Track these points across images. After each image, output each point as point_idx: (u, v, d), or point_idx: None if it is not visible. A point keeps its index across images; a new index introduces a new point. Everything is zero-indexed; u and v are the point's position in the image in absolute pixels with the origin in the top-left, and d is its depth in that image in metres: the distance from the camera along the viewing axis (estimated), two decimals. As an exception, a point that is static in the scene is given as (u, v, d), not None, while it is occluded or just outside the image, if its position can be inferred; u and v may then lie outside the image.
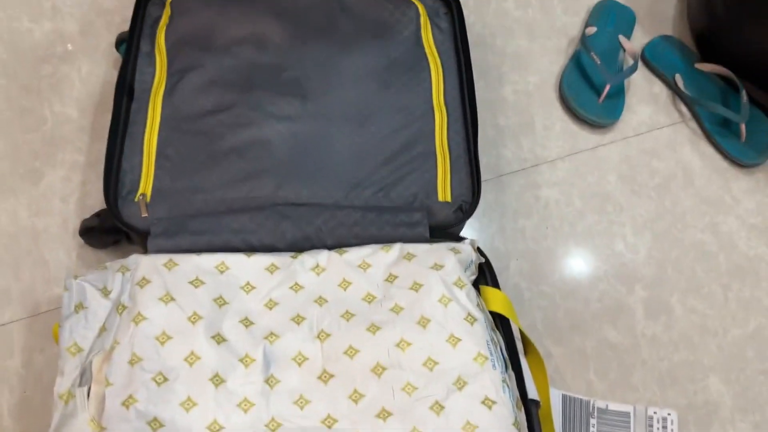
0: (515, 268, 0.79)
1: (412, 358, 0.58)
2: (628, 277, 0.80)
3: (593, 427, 0.69)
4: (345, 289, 0.63)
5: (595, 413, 0.70)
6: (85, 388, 0.54)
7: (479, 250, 0.67)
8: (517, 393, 0.59)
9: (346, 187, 0.71)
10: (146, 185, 0.71)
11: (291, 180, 0.71)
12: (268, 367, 0.57)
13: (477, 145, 0.74)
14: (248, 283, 0.62)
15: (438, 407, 0.55)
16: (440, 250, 0.65)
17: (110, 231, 0.73)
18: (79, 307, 0.57)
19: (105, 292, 0.58)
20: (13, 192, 0.79)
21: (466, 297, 0.61)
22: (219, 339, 0.57)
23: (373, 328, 0.59)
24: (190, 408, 0.52)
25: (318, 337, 0.59)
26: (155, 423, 0.51)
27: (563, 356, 0.74)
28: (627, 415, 0.70)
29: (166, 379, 0.53)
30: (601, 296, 0.78)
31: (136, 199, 0.70)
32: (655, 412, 0.70)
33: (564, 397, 0.70)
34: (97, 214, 0.74)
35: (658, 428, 0.70)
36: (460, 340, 0.59)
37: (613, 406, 0.71)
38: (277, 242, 0.67)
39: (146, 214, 0.68)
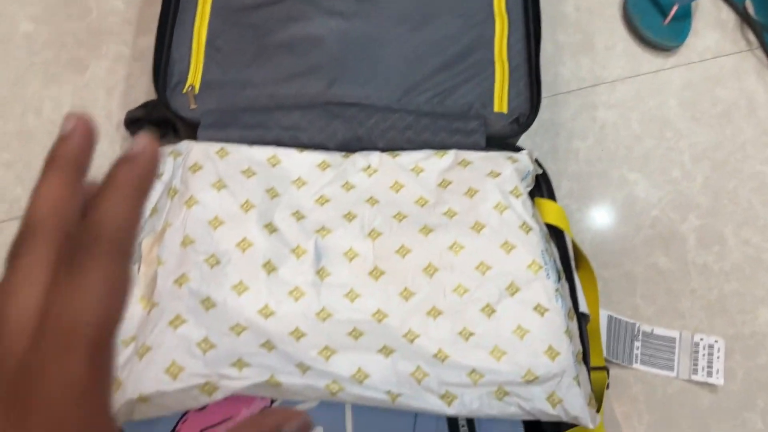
0: (566, 189, 0.77)
1: (464, 261, 0.56)
2: (683, 205, 0.77)
3: (637, 349, 0.68)
4: (397, 192, 0.61)
5: (640, 336, 0.69)
6: (135, 266, 0.53)
7: (537, 162, 0.65)
8: (569, 303, 0.58)
9: (399, 90, 0.69)
10: (195, 76, 0.69)
11: (343, 78, 0.68)
12: (319, 259, 0.56)
13: (539, 56, 0.70)
14: (300, 179, 0.60)
15: (489, 310, 0.54)
16: (497, 158, 0.63)
17: (156, 123, 0.71)
18: None
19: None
20: (57, 80, 0.78)
21: (522, 206, 0.59)
22: (271, 228, 0.56)
23: (426, 230, 0.58)
24: (242, 292, 0.52)
25: (369, 235, 0.58)
26: (207, 302, 0.50)
27: (611, 279, 0.72)
28: (672, 340, 0.69)
29: (218, 262, 0.53)
30: (653, 222, 0.76)
31: (184, 91, 0.68)
32: (701, 339, 0.69)
33: (610, 317, 0.69)
34: (144, 105, 0.72)
35: (703, 354, 0.68)
36: (514, 247, 0.57)
37: (659, 331, 0.69)
38: (327, 141, 0.65)
39: (195, 106, 0.67)
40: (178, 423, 0.50)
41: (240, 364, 0.48)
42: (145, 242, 0.55)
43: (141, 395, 0.46)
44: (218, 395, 0.47)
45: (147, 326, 0.49)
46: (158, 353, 0.47)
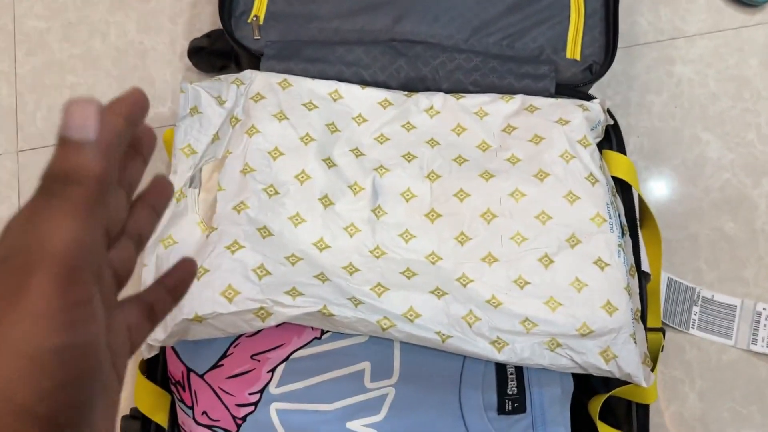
0: (635, 145, 0.73)
1: (524, 209, 0.55)
2: (756, 169, 0.73)
3: (695, 314, 0.66)
4: (459, 135, 0.59)
5: (700, 301, 0.67)
6: (196, 190, 0.54)
7: (609, 112, 0.62)
8: (631, 260, 0.56)
9: (467, 29, 0.66)
10: (260, 7, 0.67)
11: (409, 15, 0.66)
12: (376, 197, 0.55)
13: (617, 2, 0.66)
14: (360, 115, 0.59)
15: (547, 260, 0.53)
16: (567, 105, 0.60)
17: (219, 54, 0.71)
18: (194, 110, 0.56)
19: (220, 101, 0.57)
20: (122, 6, 0.78)
21: (589, 157, 0.57)
22: (330, 163, 0.55)
23: (487, 175, 0.56)
24: (299, 223, 0.51)
25: (428, 177, 0.57)
26: (264, 231, 0.50)
27: (674, 241, 0.70)
28: (733, 307, 0.66)
29: (277, 192, 0.52)
30: (723, 186, 0.72)
31: (249, 21, 0.67)
32: (764, 309, 0.66)
33: (670, 280, 0.67)
34: (207, 35, 0.72)
35: (765, 325, 0.66)
36: (578, 198, 0.55)
37: (720, 297, 0.67)
38: (390, 80, 0.63)
39: (258, 37, 0.66)
40: (230, 346, 0.51)
41: (294, 292, 0.48)
42: (205, 168, 0.55)
43: (196, 315, 0.47)
44: (271, 321, 0.47)
45: (205, 249, 0.50)
46: (215, 276, 0.48)
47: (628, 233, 0.57)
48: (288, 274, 0.49)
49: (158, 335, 0.48)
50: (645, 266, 0.58)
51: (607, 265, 0.53)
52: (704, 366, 0.65)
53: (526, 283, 0.52)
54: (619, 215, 0.57)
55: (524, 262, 0.53)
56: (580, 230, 0.54)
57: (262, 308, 0.47)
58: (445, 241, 0.54)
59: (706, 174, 0.73)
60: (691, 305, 0.66)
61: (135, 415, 0.54)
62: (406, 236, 0.54)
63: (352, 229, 0.53)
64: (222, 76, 0.60)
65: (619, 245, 0.54)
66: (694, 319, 0.66)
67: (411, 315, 0.49)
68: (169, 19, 0.78)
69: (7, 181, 0.73)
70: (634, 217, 0.58)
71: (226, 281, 0.48)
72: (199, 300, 0.47)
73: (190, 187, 0.54)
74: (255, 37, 0.66)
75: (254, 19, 0.67)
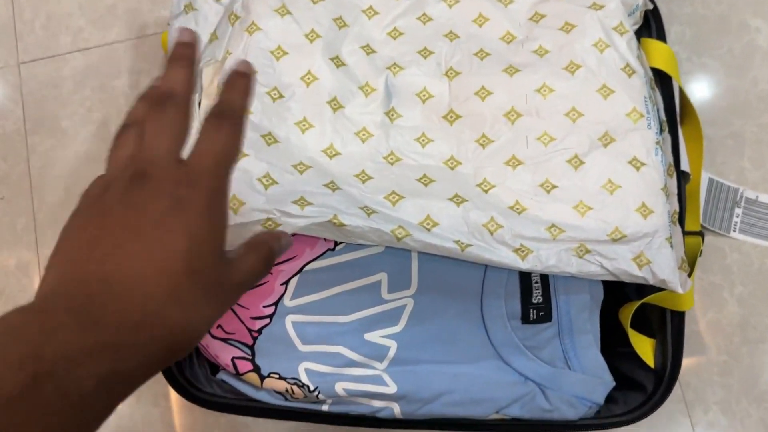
0: (677, 35, 0.67)
1: (553, 105, 0.50)
2: (813, 57, 0.66)
3: (737, 217, 0.62)
4: (480, 26, 0.54)
5: (743, 203, 0.62)
6: (195, 96, 0.50)
7: (648, -6, 0.56)
8: (670, 159, 0.51)
9: None
10: None
11: None
12: (390, 99, 0.51)
13: None
14: (371, 8, 0.54)
15: (577, 161, 0.49)
16: (601, -12, 0.54)
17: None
18: (189, 7, 0.52)
19: None
20: None
21: (626, 45, 0.51)
22: (338, 62, 0.51)
23: (511, 70, 0.51)
24: (306, 129, 0.48)
25: (446, 74, 0.52)
26: (269, 138, 0.47)
27: (717, 138, 0.64)
28: (779, 209, 0.62)
29: (281, 96, 0.49)
30: (774, 76, 0.66)
31: None
32: (814, 210, 0.61)
33: (711, 180, 0.62)
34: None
35: (814, 227, 0.61)
36: (613, 92, 0.50)
37: (765, 198, 0.62)
38: (405, -33, 0.57)
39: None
40: (239, 259, 0.49)
41: (302, 202, 0.45)
42: (205, 72, 0.51)
43: None
44: None
45: None
46: (218, 186, 0.45)
47: (666, 129, 0.52)
48: (296, 183, 0.46)
49: None
50: (684, 165, 0.53)
51: (643, 164, 0.49)
52: (745, 271, 0.61)
53: (554, 186, 0.48)
54: (658, 110, 0.52)
55: (552, 164, 0.49)
56: (614, 127, 0.49)
57: (269, 219, 0.45)
58: (465, 144, 0.50)
59: (754, 64, 0.66)
60: (733, 207, 0.62)
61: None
62: (423, 140, 0.50)
63: (364, 134, 0.49)
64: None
65: (657, 143, 0.50)
66: (736, 222, 0.62)
67: (428, 224, 0.46)
68: None
69: (11, 95, 0.70)
70: (673, 111, 0.53)
71: (230, 192, 0.45)
72: None
73: None
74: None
75: None
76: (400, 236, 0.45)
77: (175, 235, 0.25)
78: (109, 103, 0.68)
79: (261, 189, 0.45)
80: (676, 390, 0.57)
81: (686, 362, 0.58)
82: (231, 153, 0.28)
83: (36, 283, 0.65)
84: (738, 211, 0.62)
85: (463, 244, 0.46)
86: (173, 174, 0.26)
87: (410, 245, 0.45)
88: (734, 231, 0.62)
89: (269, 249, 0.30)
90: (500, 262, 0.46)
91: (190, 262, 0.25)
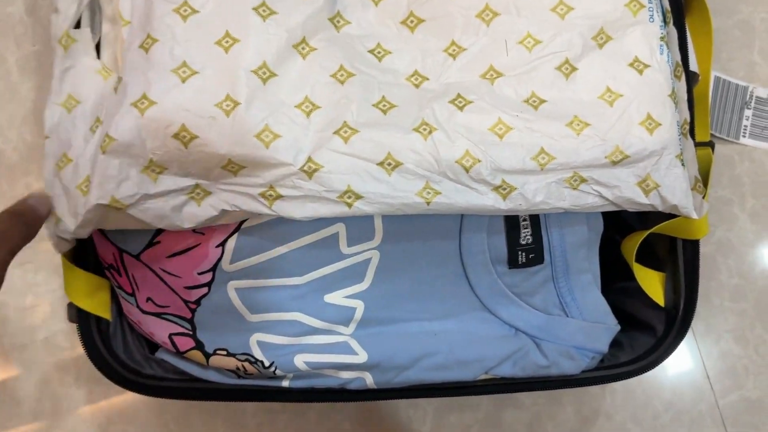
0: None
1: (536, 0, 0.40)
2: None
3: (747, 119, 0.54)
4: None
5: (753, 103, 0.54)
6: (88, 30, 0.40)
7: None
8: (677, 57, 0.42)
9: None
10: None
11: None
12: (333, 2, 0.40)
13: None
14: None
15: (568, 68, 0.40)
16: None
17: None
18: None
19: None
20: None
21: None
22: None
23: (482, -43, 0.41)
24: (230, 45, 0.38)
25: (402, -33, 0.41)
26: (186, 70, 0.37)
27: (722, 29, 0.55)
28: (795, 107, 0.54)
29: (194, 11, 0.38)
30: (787, -50, 0.56)
31: None
32: (835, 106, 0.53)
33: (717, 79, 0.54)
34: None
35: (835, 125, 0.53)
36: (607, -23, 0.40)
37: (779, 96, 0.54)
38: None
39: None
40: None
41: (231, 166, 0.36)
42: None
43: (114, 199, 0.35)
44: (208, 205, 0.37)
45: (110, 107, 0.37)
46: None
47: (671, 21, 0.43)
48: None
49: (68, 225, 0.37)
50: (693, 65, 0.44)
51: (646, 66, 0.40)
52: (757, 181, 0.54)
53: (542, 101, 0.39)
54: (661, -2, 0.42)
55: (538, 73, 0.40)
56: (610, 22, 0.40)
57: (197, 186, 0.36)
58: (432, 54, 0.40)
59: (764, -64, 0.56)
60: (742, 109, 0.54)
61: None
62: (379, 52, 0.40)
63: (303, 48, 0.39)
64: None
65: (662, 38, 0.41)
66: (746, 126, 0.54)
67: (389, 163, 0.37)
68: None
69: None
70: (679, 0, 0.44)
71: None
72: (116, 181, 0.35)
73: (78, 27, 0.39)
74: None
75: None
76: (349, 202, 0.37)
77: None
78: (5, 35, 0.57)
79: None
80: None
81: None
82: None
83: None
84: (748, 113, 0.54)
85: (429, 191, 0.37)
86: None
87: (364, 210, 0.37)
88: (744, 136, 0.54)
89: (34, 213, 0.34)
90: (478, 205, 0.38)
91: None
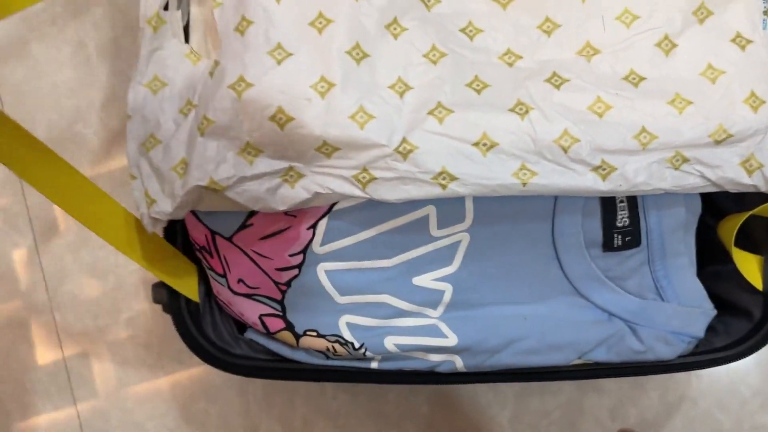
0: None
1: (634, -27, 0.39)
2: None
3: None
4: None
5: None
6: (177, 13, 0.40)
7: None
8: (783, 31, 0.40)
9: None
10: None
11: None
12: (424, -19, 0.40)
13: None
14: None
15: (668, 44, 0.38)
16: None
17: None
18: None
19: None
20: None
21: None
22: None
23: (576, -71, 0.40)
24: (324, 27, 0.37)
25: (494, -59, 0.40)
26: (280, 51, 0.37)
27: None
28: None
29: (283, -9, 0.38)
30: None
31: None
32: None
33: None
34: None
35: None
36: (710, -53, 0.39)
37: None
38: None
39: None
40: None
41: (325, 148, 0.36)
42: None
43: (212, 180, 0.36)
44: (302, 188, 0.37)
45: (207, 90, 0.37)
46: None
47: (776, -6, 0.41)
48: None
49: (164, 206, 0.37)
50: (797, 38, 0.42)
51: (749, 42, 0.38)
52: None
53: (641, 78, 0.38)
54: (765, -32, 0.41)
55: (637, 50, 0.38)
56: (712, -4, 0.39)
57: (291, 168, 0.36)
58: (525, 31, 0.39)
59: None
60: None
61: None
62: (470, 31, 0.39)
63: (395, 28, 0.39)
64: None
65: (765, 12, 0.39)
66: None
67: (485, 143, 0.36)
68: None
69: (-31, 20, 0.60)
70: (784, -32, 0.42)
71: None
72: (214, 162, 0.36)
73: (167, 8, 0.40)
74: None
75: None
76: (444, 184, 0.36)
77: None
78: (85, 20, 0.58)
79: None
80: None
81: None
82: None
83: (26, 228, 0.57)
84: None
85: (526, 171, 0.36)
86: None
87: (458, 192, 0.36)
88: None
89: None
90: (575, 186, 0.37)
91: None
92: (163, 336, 0.55)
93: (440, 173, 0.37)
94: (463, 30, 0.39)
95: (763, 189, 0.38)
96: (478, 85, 0.38)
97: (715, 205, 0.44)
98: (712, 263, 0.44)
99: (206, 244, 0.42)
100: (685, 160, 0.37)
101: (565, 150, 0.37)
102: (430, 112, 0.37)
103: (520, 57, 0.39)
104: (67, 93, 0.57)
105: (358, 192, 0.37)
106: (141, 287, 0.56)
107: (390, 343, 0.41)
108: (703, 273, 0.43)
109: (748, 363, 0.51)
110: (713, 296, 0.43)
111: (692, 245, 0.42)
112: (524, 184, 0.37)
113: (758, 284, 0.42)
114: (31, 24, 0.57)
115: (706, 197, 0.43)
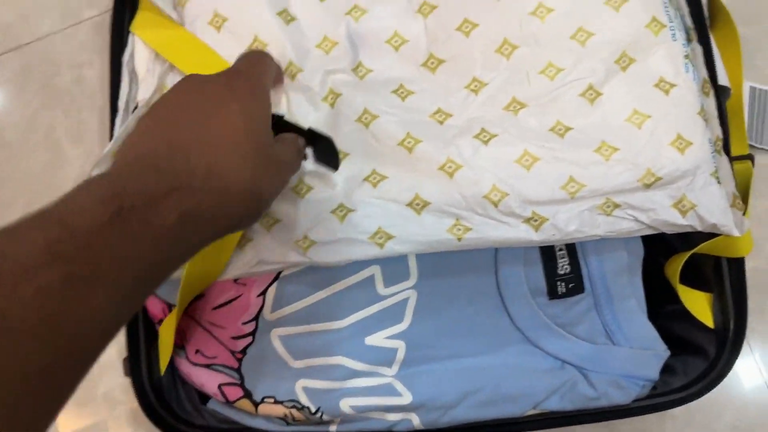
0: None
1: (554, 28, 0.41)
2: None
3: (789, 128, 0.52)
4: (453, -55, 0.44)
5: (794, 110, 0.52)
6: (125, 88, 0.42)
7: None
8: (704, 73, 0.42)
9: None
10: None
11: None
12: (355, 51, 0.42)
13: None
14: (318, -57, 0.44)
15: (592, 93, 0.40)
16: None
17: None
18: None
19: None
20: None
21: (634, -59, 0.42)
22: (287, 17, 0.42)
23: (497, -7, 0.42)
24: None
25: (419, 11, 0.42)
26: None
27: (753, 38, 0.54)
28: (839, 111, 0.52)
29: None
30: (815, -48, 0.55)
31: None
32: None
33: (752, 89, 0.52)
34: None
35: None
36: (626, 1, 0.40)
37: (820, 101, 0.52)
38: None
39: None
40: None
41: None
42: (138, 58, 0.42)
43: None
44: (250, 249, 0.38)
45: None
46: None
47: (695, 38, 0.42)
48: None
49: None
50: (723, 79, 0.44)
51: (672, 85, 0.40)
52: (806, 189, 0.52)
53: (567, 129, 0.39)
54: (683, 16, 0.42)
55: (562, 102, 0.40)
56: (632, 44, 0.40)
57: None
58: (454, 92, 0.41)
59: (789, -60, 0.55)
60: (782, 117, 0.52)
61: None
62: (402, 92, 0.41)
63: (331, 98, 0.40)
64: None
65: (686, 56, 0.40)
66: (788, 134, 0.52)
67: (418, 203, 0.38)
68: None
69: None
70: (701, 15, 0.43)
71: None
72: None
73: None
74: None
75: None
76: (380, 243, 0.37)
77: (234, 113, 0.29)
78: (53, 105, 0.60)
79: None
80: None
81: (750, 304, 0.50)
82: (259, 58, 0.34)
83: None
84: (789, 120, 0.52)
85: (460, 227, 0.38)
86: (225, 75, 0.31)
87: (395, 250, 0.38)
88: (787, 144, 0.52)
89: (296, 141, 0.34)
90: (510, 238, 0.38)
91: (249, 133, 0.29)
92: (138, 409, 0.56)
93: (377, 233, 0.38)
94: (395, 92, 0.41)
95: (700, 228, 0.39)
96: (410, 142, 0.39)
97: (667, 244, 0.45)
98: (669, 303, 0.44)
99: (164, 316, 0.43)
100: (617, 206, 0.38)
101: (495, 204, 0.38)
102: (366, 179, 0.39)
103: (450, 115, 0.40)
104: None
105: (300, 258, 0.38)
106: (117, 361, 0.57)
107: (346, 405, 0.41)
108: (660, 313, 0.44)
109: (721, 399, 0.51)
110: (672, 336, 0.43)
111: (639, 287, 0.42)
112: (459, 239, 0.38)
113: (709, 322, 0.42)
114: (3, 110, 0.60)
115: (658, 237, 0.43)
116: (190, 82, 0.30)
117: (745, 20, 0.54)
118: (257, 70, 0.33)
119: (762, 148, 0.52)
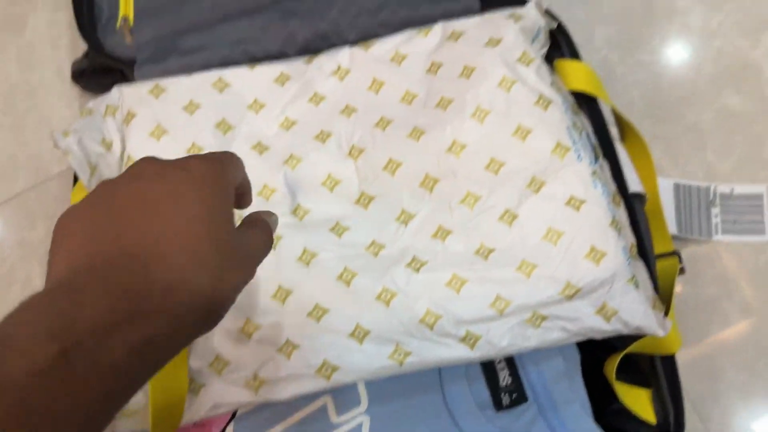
0: (602, 37, 0.62)
1: (469, 162, 0.45)
2: (752, 25, 0.61)
3: (716, 217, 0.56)
4: (377, 92, 0.49)
5: (718, 200, 0.56)
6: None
7: (549, 13, 0.51)
8: (613, 187, 0.45)
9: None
10: (126, 6, 0.57)
11: (292, -35, 0.55)
12: (293, 196, 0.46)
13: None
14: (256, 101, 0.50)
15: (509, 217, 0.43)
16: (495, 20, 0.49)
17: (103, 70, 0.62)
18: (93, 170, 0.47)
19: (106, 144, 0.48)
20: (-3, 46, 0.69)
21: (535, 75, 0.46)
22: (228, 172, 0.46)
23: (416, 133, 0.46)
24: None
25: (349, 154, 0.47)
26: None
27: (672, 137, 0.59)
28: (758, 197, 0.56)
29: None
30: (716, 55, 0.60)
31: (118, 26, 0.57)
32: (797, 189, 0.55)
33: (677, 186, 0.56)
34: (86, 54, 0.62)
35: (802, 208, 0.55)
36: (530, 130, 0.45)
37: (741, 189, 0.56)
38: (286, 48, 0.53)
39: (131, 40, 0.56)
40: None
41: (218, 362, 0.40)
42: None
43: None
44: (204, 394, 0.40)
45: None
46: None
47: (601, 155, 0.46)
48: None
49: None
50: (635, 186, 0.48)
51: (582, 202, 0.43)
52: (742, 273, 0.55)
53: (490, 250, 0.43)
54: (587, 136, 0.46)
55: (483, 226, 0.43)
56: (541, 169, 0.44)
57: (191, 380, 0.40)
58: (385, 226, 0.45)
59: (693, 47, 0.61)
60: (708, 208, 0.56)
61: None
62: (338, 230, 0.45)
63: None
64: (91, 104, 0.50)
65: (593, 174, 0.44)
66: (716, 223, 0.56)
67: (359, 333, 0.41)
68: (50, 45, 0.69)
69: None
70: (606, 132, 0.48)
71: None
72: None
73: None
74: (127, 42, 0.56)
75: (123, 21, 0.57)
76: (327, 374, 0.40)
77: (191, 203, 0.25)
78: (30, 258, 0.64)
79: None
80: (699, 428, 0.51)
81: (702, 392, 0.52)
82: (230, 154, 0.30)
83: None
84: (715, 210, 0.56)
85: (400, 353, 0.40)
86: (185, 159, 0.27)
87: (342, 381, 0.40)
88: (717, 234, 0.55)
89: (266, 223, 0.31)
90: (449, 358, 0.40)
91: (209, 228, 0.25)
92: None
93: (322, 365, 0.40)
94: (332, 229, 0.45)
95: (626, 331, 0.42)
96: (347, 276, 0.43)
97: (605, 341, 0.47)
98: (615, 400, 0.46)
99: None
100: (544, 318, 0.41)
101: (430, 327, 0.41)
102: (309, 314, 0.42)
103: (383, 246, 0.44)
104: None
105: (252, 398, 0.41)
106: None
107: None
108: (608, 411, 0.45)
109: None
110: (621, 432, 0.44)
111: (581, 390, 0.44)
112: (401, 364, 0.40)
113: (649, 417, 0.44)
114: (-15, 268, 0.64)
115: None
116: (148, 167, 0.26)
117: (662, 120, 0.59)
118: (223, 157, 0.29)
119: (694, 239, 0.56)
